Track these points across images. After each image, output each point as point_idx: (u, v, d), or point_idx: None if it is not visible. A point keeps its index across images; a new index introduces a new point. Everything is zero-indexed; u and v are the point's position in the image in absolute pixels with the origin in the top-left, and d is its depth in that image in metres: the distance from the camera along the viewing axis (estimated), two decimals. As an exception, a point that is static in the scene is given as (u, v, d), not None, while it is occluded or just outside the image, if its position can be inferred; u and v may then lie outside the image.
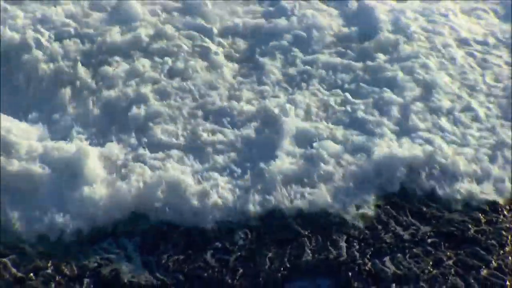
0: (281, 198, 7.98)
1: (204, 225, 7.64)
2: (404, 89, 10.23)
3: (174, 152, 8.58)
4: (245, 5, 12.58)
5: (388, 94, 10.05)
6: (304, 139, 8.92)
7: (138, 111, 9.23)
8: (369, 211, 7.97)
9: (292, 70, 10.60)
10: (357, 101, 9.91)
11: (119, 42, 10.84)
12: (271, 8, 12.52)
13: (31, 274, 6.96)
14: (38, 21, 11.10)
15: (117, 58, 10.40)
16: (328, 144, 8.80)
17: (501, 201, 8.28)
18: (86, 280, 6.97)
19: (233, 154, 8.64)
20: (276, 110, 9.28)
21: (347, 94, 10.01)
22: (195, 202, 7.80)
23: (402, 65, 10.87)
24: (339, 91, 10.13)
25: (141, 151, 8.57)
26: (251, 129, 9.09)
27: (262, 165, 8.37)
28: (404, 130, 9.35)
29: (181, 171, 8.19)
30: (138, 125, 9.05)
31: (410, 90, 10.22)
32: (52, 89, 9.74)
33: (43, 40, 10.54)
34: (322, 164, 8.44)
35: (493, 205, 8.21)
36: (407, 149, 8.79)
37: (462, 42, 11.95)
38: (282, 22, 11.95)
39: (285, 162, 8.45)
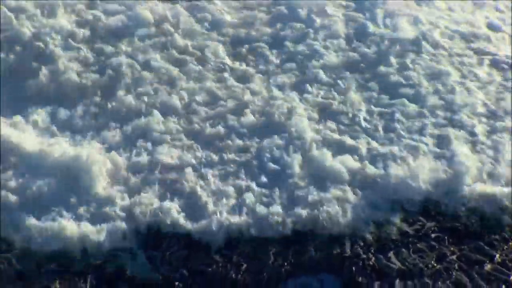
0: (293, 212, 7.79)
1: (214, 240, 7.51)
2: (426, 102, 9.84)
3: (183, 166, 8.42)
4: (257, 12, 12.32)
5: (409, 108, 9.67)
6: (318, 152, 8.62)
7: (146, 124, 9.13)
8: (388, 228, 7.74)
9: (305, 80, 10.27)
10: (375, 113, 9.58)
11: (126, 51, 10.84)
12: (285, 15, 12.17)
13: (35, 270, 6.99)
14: (43, 30, 11.09)
15: (124, 67, 10.33)
16: (343, 158, 8.54)
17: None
18: (90, 276, 6.99)
19: (243, 168, 8.45)
20: (289, 122, 9.13)
21: (365, 105, 9.73)
22: (204, 217, 7.69)
23: (424, 75, 10.47)
24: (356, 102, 9.79)
25: (149, 165, 8.44)
26: (263, 142, 8.84)
27: (274, 179, 8.25)
28: (423, 146, 8.93)
29: (192, 186, 8.10)
30: (146, 138, 8.93)
31: (432, 103, 9.82)
32: (57, 98, 9.75)
33: (48, 49, 10.63)
34: (336, 179, 8.23)
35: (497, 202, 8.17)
36: (427, 167, 8.42)
37: (490, 54, 11.28)
38: (296, 30, 11.71)
39: (298, 177, 8.27)
